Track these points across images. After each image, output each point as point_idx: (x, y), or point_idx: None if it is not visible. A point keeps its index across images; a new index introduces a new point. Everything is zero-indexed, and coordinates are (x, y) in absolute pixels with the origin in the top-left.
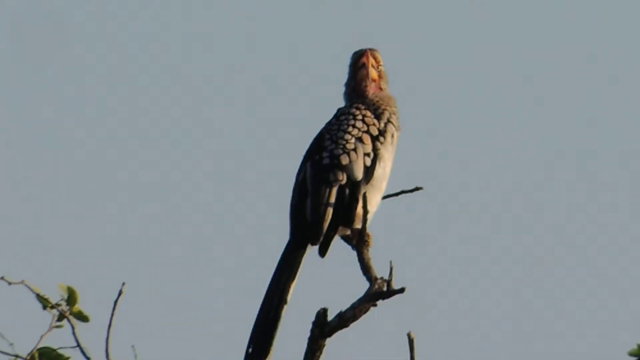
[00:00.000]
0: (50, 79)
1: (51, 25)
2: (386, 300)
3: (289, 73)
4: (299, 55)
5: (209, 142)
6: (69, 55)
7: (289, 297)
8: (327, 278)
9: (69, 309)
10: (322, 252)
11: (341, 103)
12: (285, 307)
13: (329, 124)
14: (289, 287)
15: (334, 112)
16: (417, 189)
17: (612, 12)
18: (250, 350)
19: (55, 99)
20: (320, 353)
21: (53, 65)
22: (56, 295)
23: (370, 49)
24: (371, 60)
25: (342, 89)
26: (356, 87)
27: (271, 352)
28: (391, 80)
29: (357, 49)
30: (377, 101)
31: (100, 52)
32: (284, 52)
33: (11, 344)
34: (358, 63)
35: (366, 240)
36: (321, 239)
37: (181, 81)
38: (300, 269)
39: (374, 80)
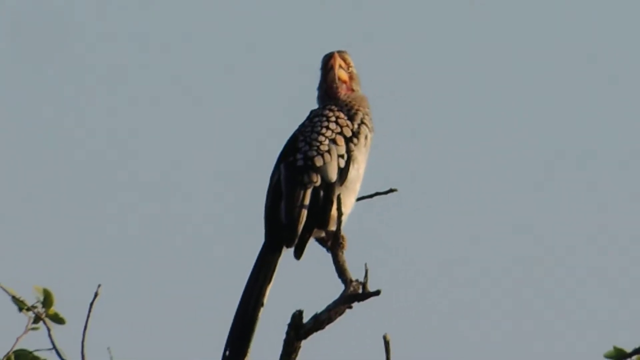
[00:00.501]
0: (50, 79)
1: (51, 25)
2: (361, 303)
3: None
4: (298, 55)
5: (188, 144)
6: (69, 55)
7: (266, 299)
8: (303, 280)
9: (44, 311)
10: (298, 255)
11: (315, 105)
12: (262, 310)
13: (302, 125)
14: (265, 289)
15: (307, 114)
16: (391, 190)
17: (612, 12)
18: (227, 353)
19: (55, 99)
20: (296, 355)
21: (53, 65)
22: (32, 298)
23: (339, 51)
24: (340, 61)
25: (316, 93)
26: (328, 90)
27: (248, 355)
28: (365, 81)
29: (329, 50)
30: (350, 102)
31: (100, 52)
32: (283, 53)
33: None
34: (327, 66)
35: (341, 243)
36: (296, 241)
37: (181, 81)
38: (276, 272)
39: (344, 82)
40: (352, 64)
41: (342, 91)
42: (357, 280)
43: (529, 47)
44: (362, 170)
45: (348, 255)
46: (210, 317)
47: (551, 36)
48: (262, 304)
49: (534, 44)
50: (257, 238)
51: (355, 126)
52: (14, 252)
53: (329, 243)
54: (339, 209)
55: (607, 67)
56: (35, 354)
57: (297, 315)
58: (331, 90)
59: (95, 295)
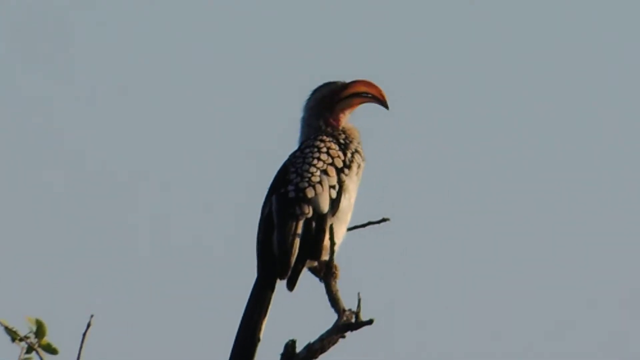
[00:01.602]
0: (50, 79)
1: (51, 25)
2: (355, 332)
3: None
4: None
5: (190, 146)
6: (69, 55)
7: (262, 334)
8: (295, 310)
9: (37, 342)
10: (290, 286)
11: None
12: (259, 345)
13: (293, 156)
14: (261, 324)
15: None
16: (384, 220)
17: (612, 11)
18: None
19: (54, 99)
20: None
21: (53, 65)
22: (25, 328)
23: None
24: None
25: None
26: (332, 118)
27: None
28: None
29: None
30: (347, 130)
31: (100, 52)
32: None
33: None
34: (370, 84)
35: (334, 272)
36: (289, 273)
37: (181, 80)
38: (270, 307)
39: (383, 99)
40: None
41: (343, 121)
42: (350, 310)
43: (526, 47)
44: (353, 200)
45: (341, 285)
46: (207, 351)
47: (559, 33)
48: (258, 339)
49: (533, 42)
50: (250, 270)
51: (349, 155)
52: (5, 282)
53: (322, 273)
54: (331, 238)
55: (607, 66)
56: None
57: (290, 345)
58: (337, 119)
59: (88, 325)
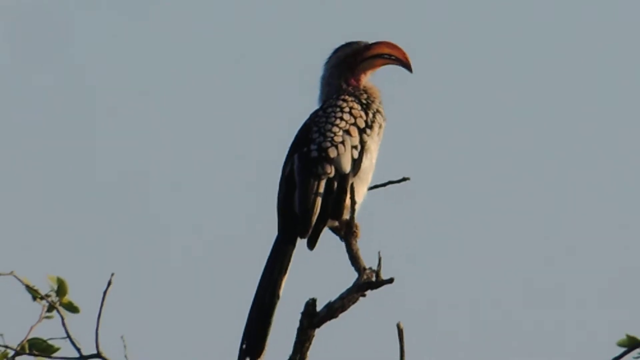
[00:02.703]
0: (50, 79)
1: (51, 25)
2: (375, 291)
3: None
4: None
5: (199, 136)
6: (69, 55)
7: (281, 292)
8: (316, 269)
9: (58, 300)
10: (311, 245)
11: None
12: (278, 302)
13: (315, 115)
14: (281, 282)
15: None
16: (404, 179)
17: (612, 11)
18: (244, 346)
19: (55, 99)
20: (310, 343)
21: (53, 65)
22: (46, 287)
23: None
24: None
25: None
26: (354, 78)
27: (266, 348)
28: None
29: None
30: (368, 89)
31: (100, 52)
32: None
33: (1, 335)
34: (392, 45)
35: (354, 231)
36: (310, 232)
37: (181, 80)
38: (290, 264)
39: (407, 62)
40: None
41: (364, 80)
42: (370, 268)
43: (523, 44)
44: (374, 160)
45: (361, 244)
46: (226, 309)
47: (550, 35)
48: (278, 297)
49: (530, 40)
50: (270, 229)
51: (371, 115)
52: (27, 242)
53: (343, 232)
54: (352, 198)
55: (607, 66)
56: (49, 342)
57: (311, 304)
58: (358, 78)
59: (109, 284)
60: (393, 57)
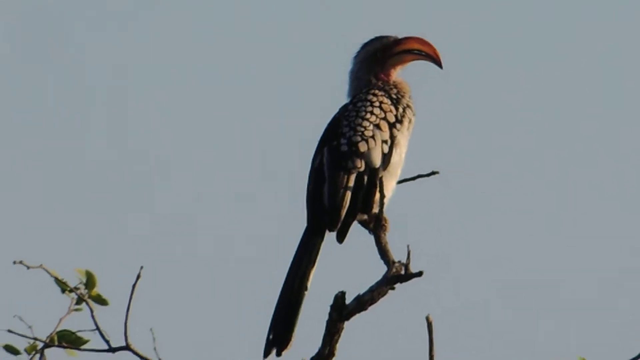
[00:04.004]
0: (50, 79)
1: (51, 25)
2: (404, 284)
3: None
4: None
5: (219, 129)
6: (69, 55)
7: (309, 283)
8: (345, 262)
9: (87, 293)
10: (340, 239)
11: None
12: (306, 294)
13: (345, 109)
14: (309, 273)
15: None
16: (433, 173)
17: (613, 11)
18: (271, 337)
19: (54, 99)
20: (339, 336)
21: (53, 65)
22: (74, 279)
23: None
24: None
25: (350, 70)
26: (383, 72)
27: (293, 339)
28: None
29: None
30: (398, 84)
31: (100, 52)
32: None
33: (30, 327)
34: (424, 41)
35: (383, 225)
36: (339, 225)
37: (181, 79)
38: (319, 256)
39: (437, 58)
40: None
41: (393, 75)
42: (399, 262)
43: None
44: (404, 155)
45: (390, 237)
46: (254, 300)
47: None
48: (306, 288)
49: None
50: (300, 221)
51: (401, 109)
52: (57, 235)
53: (372, 225)
54: (381, 191)
55: (607, 66)
56: (78, 334)
57: (340, 297)
58: (388, 72)
59: (138, 277)
60: (423, 53)
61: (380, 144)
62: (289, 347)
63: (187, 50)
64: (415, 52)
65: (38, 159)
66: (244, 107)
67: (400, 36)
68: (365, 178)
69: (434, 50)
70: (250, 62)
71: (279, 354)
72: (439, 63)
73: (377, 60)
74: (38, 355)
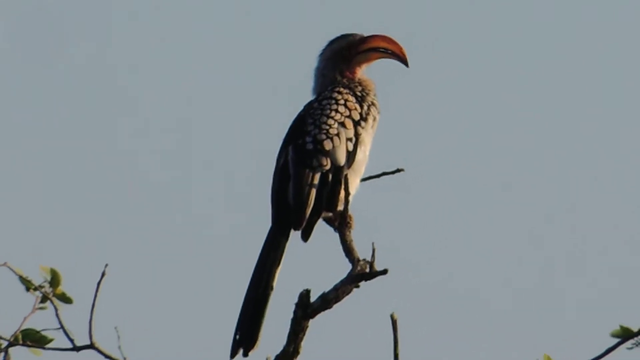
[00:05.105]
0: (50, 79)
1: (51, 25)
2: (369, 282)
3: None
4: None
5: (188, 129)
6: (69, 55)
7: (275, 283)
8: (310, 259)
9: (52, 291)
10: (305, 237)
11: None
12: (272, 294)
13: (310, 107)
14: (275, 273)
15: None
16: (398, 170)
17: (613, 11)
18: (237, 337)
19: (54, 99)
20: (304, 334)
21: (53, 65)
22: (39, 277)
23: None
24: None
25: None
26: (348, 70)
27: (259, 339)
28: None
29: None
30: (363, 82)
31: (100, 52)
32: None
33: None
34: (390, 39)
35: (348, 222)
36: (304, 224)
37: (181, 79)
38: (284, 255)
39: (404, 57)
40: None
41: (359, 73)
42: (364, 260)
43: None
44: (368, 152)
45: (355, 235)
46: (219, 301)
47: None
48: (271, 288)
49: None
50: (264, 220)
51: (365, 107)
52: (21, 232)
53: (336, 223)
54: (346, 189)
55: (608, 66)
56: (43, 333)
57: (305, 295)
58: (353, 70)
59: (103, 274)
60: (389, 51)
61: (345, 142)
62: (255, 346)
63: (187, 51)
64: (382, 50)
65: (38, 159)
66: (243, 107)
67: (366, 34)
68: (330, 176)
69: (400, 48)
70: (249, 62)
71: (245, 354)
72: (405, 61)
73: (343, 58)
74: (2, 354)
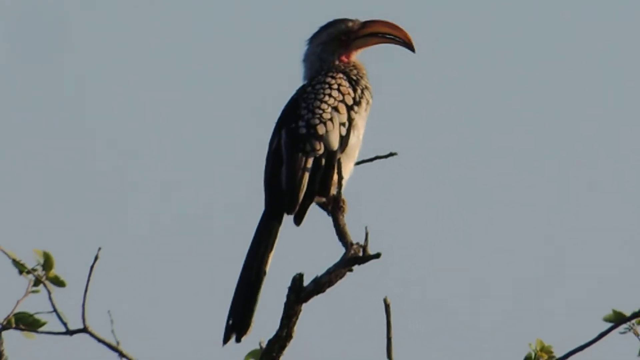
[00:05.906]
0: (50, 79)
1: (51, 25)
2: (362, 266)
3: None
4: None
5: (184, 116)
6: (69, 56)
7: (268, 268)
8: (303, 243)
9: (45, 274)
10: (298, 221)
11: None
12: (265, 278)
13: (304, 91)
14: (267, 258)
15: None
16: (391, 154)
17: (613, 11)
18: (230, 322)
19: (54, 99)
20: (297, 318)
21: (53, 65)
22: (32, 261)
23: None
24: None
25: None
26: (345, 55)
27: (252, 324)
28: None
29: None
30: (357, 66)
31: (100, 52)
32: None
33: None
34: (392, 25)
35: (341, 206)
36: (297, 208)
37: (181, 79)
38: (277, 240)
39: (409, 42)
40: None
41: (353, 58)
42: (357, 243)
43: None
44: (361, 136)
45: (348, 219)
46: (213, 284)
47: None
48: (264, 273)
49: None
50: (257, 205)
51: (359, 91)
52: (14, 215)
53: (330, 207)
54: (339, 173)
55: (608, 65)
56: (36, 316)
57: (298, 279)
58: (349, 55)
59: (96, 258)
60: (394, 37)
61: (339, 127)
62: (248, 332)
63: (187, 50)
64: (386, 35)
65: (38, 159)
66: (244, 106)
67: (362, 19)
68: (323, 160)
69: (404, 34)
70: (250, 62)
71: (238, 340)
72: (411, 47)
73: (342, 43)
74: None
